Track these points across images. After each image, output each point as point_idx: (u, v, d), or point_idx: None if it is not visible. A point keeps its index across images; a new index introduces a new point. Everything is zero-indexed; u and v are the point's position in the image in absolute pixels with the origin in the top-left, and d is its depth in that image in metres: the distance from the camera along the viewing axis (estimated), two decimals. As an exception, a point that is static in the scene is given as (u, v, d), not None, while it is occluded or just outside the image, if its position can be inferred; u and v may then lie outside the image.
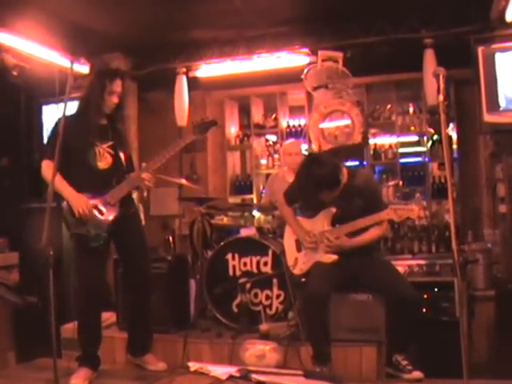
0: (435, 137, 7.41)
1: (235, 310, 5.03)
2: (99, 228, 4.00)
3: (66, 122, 3.98)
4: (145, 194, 4.46)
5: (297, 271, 4.48)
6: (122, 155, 4.18)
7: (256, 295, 5.03)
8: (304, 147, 6.95)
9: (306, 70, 6.63)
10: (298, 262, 4.45)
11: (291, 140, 6.56)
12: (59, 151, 3.55)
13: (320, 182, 4.03)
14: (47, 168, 3.99)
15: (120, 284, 5.03)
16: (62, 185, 3.94)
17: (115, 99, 4.12)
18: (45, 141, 7.16)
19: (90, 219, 3.97)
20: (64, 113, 3.72)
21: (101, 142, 4.10)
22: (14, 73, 6.30)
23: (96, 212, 4.00)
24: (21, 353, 5.55)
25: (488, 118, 5.73)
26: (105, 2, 5.82)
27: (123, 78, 4.23)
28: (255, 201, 7.92)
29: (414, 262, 6.39)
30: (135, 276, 4.32)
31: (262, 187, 8.09)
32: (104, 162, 4.08)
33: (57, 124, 4.09)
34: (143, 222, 7.21)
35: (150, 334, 4.47)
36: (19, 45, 6.11)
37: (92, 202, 3.99)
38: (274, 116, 8.27)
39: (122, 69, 4.42)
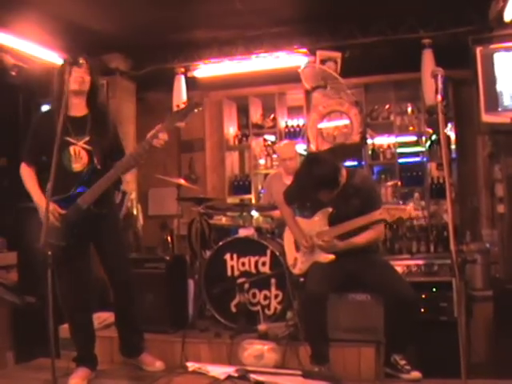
0: (434, 137, 7.41)
1: (234, 310, 5.03)
2: (57, 237, 3.79)
3: (42, 119, 3.95)
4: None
5: (296, 271, 4.49)
6: (100, 152, 3.94)
7: (254, 295, 5.02)
8: (299, 148, 6.95)
9: (302, 66, 6.65)
10: (297, 262, 4.46)
11: (284, 142, 6.54)
12: (57, 151, 3.47)
13: (319, 181, 4.05)
14: (23, 171, 3.96)
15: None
16: (33, 190, 3.87)
17: (80, 73, 3.87)
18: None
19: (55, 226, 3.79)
20: (44, 114, 3.62)
21: (77, 138, 3.90)
22: (13, 73, 6.31)
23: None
24: (19, 353, 5.56)
25: (486, 118, 5.73)
26: (103, 3, 5.82)
27: (85, 57, 3.95)
28: (254, 201, 7.92)
29: (412, 262, 6.39)
30: (113, 280, 4.16)
31: (260, 187, 8.09)
32: (79, 163, 3.90)
33: (33, 124, 4.04)
34: (141, 222, 7.29)
35: (140, 334, 4.36)
36: (18, 45, 6.11)
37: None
38: (272, 116, 8.26)
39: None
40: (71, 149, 3.89)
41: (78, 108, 4.00)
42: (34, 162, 3.95)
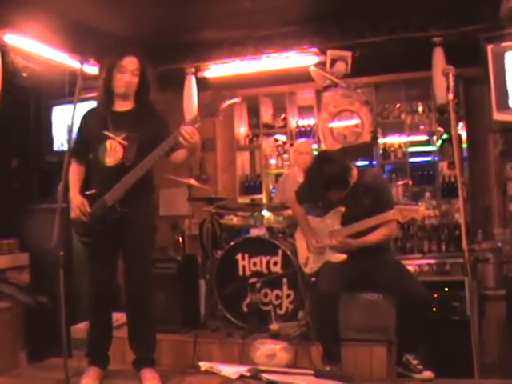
0: (445, 136, 7.37)
1: (245, 309, 5.04)
2: (81, 232, 3.86)
3: (87, 115, 3.93)
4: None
5: (307, 270, 4.49)
6: (135, 148, 3.79)
7: (266, 295, 5.04)
8: (315, 147, 6.95)
9: (312, 67, 6.65)
10: (309, 261, 4.46)
11: (302, 139, 6.57)
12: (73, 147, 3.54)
13: (329, 180, 4.05)
14: (71, 167, 3.92)
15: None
16: (71, 186, 3.86)
17: (128, 77, 3.81)
18: (54, 142, 7.25)
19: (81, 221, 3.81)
20: (90, 109, 3.66)
21: (115, 133, 3.81)
22: (24, 74, 6.31)
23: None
24: (32, 353, 5.60)
25: (498, 116, 5.70)
26: (114, 3, 5.83)
27: (138, 55, 3.89)
28: (265, 201, 7.92)
29: (424, 262, 6.38)
30: (127, 290, 4.01)
31: (271, 187, 8.09)
32: (112, 157, 3.79)
33: (80, 121, 3.97)
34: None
35: (144, 350, 4.03)
36: (29, 46, 6.12)
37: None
38: (283, 116, 8.25)
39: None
40: (108, 143, 3.81)
41: (124, 104, 3.93)
42: (80, 159, 3.95)
